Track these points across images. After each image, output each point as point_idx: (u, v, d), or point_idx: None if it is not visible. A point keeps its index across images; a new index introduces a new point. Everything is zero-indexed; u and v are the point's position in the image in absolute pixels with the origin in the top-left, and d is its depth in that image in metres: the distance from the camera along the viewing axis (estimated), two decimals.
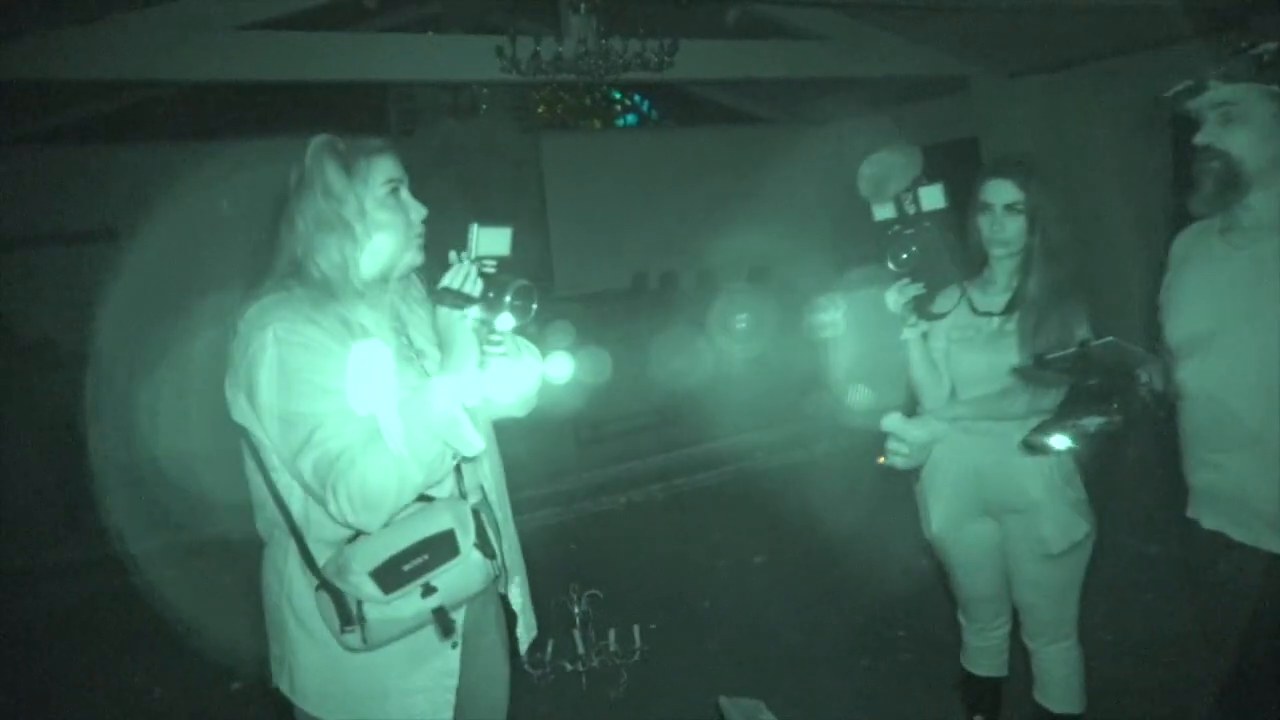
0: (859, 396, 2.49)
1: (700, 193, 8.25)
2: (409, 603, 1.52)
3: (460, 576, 1.55)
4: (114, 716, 3.46)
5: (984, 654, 2.55)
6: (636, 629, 3.37)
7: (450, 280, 1.50)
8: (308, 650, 1.62)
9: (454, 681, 1.67)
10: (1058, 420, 1.76)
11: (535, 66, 5.52)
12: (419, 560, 1.52)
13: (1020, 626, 2.45)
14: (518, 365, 1.60)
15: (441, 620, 1.56)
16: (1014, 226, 2.26)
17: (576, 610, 3.38)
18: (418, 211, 1.67)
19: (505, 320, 1.49)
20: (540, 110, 8.44)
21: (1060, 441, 1.74)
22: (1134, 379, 1.68)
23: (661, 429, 5.89)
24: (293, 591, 1.62)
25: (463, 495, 1.66)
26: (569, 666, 3.32)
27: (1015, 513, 2.32)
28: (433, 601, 1.54)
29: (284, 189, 1.65)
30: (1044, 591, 2.35)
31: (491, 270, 1.51)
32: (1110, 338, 1.62)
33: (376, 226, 1.61)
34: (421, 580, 1.52)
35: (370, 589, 1.50)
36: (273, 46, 5.21)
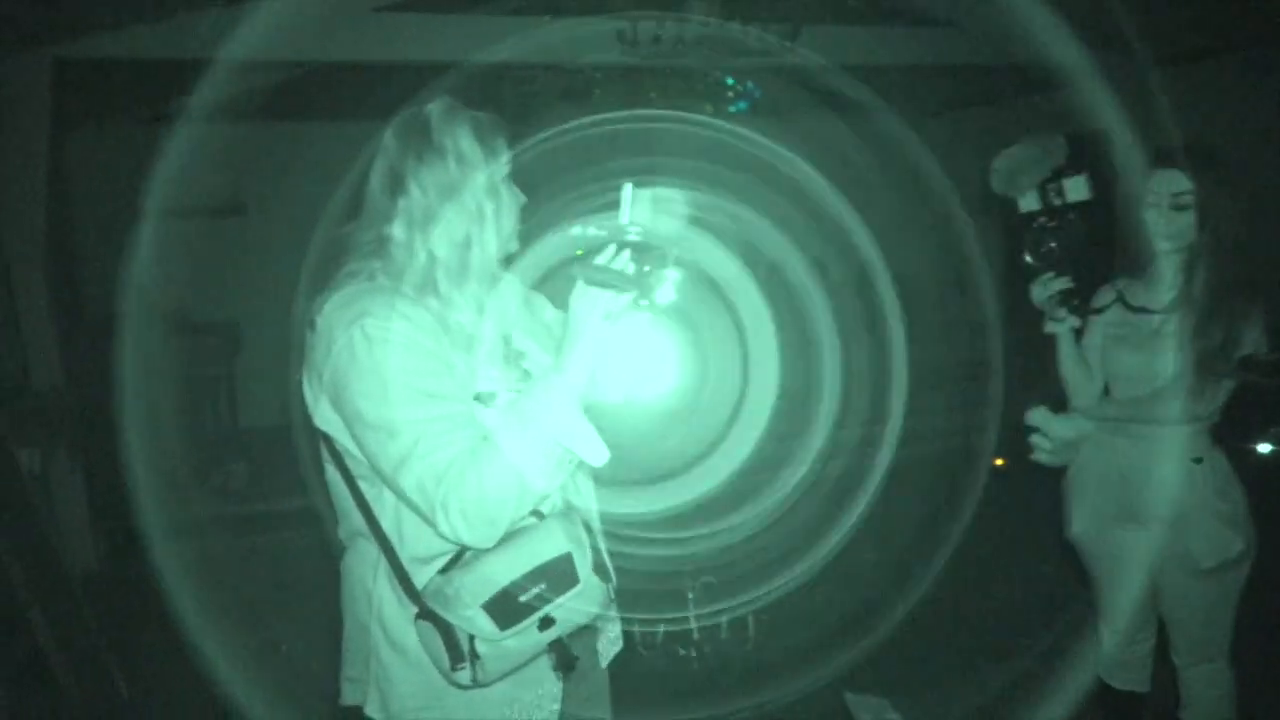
0: None
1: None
2: (526, 637, 1.38)
3: (579, 605, 1.40)
4: (245, 666, 3.60)
5: (1125, 667, 2.44)
6: (750, 618, 3.35)
7: (603, 257, 1.34)
8: (404, 675, 1.47)
9: (557, 706, 1.52)
10: (1261, 426, 1.66)
11: (656, 50, 5.50)
12: (536, 590, 1.36)
13: (1167, 642, 2.34)
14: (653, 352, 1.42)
15: (561, 655, 1.44)
16: (1182, 220, 2.14)
17: (691, 595, 3.38)
18: (519, 197, 1.55)
19: (666, 293, 1.33)
20: (653, 95, 8.43)
21: (1264, 447, 1.65)
22: None
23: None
24: (384, 614, 1.47)
25: (570, 506, 1.51)
26: (682, 651, 3.32)
27: (1162, 522, 2.21)
28: (551, 634, 1.39)
29: (378, 157, 1.48)
30: (1192, 608, 2.24)
31: (637, 240, 1.34)
32: None
33: (501, 206, 1.49)
34: (540, 613, 1.37)
35: (484, 624, 1.34)
36: (404, 28, 5.34)
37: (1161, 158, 2.20)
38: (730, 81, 8.76)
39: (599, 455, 1.34)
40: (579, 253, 1.37)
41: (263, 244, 6.46)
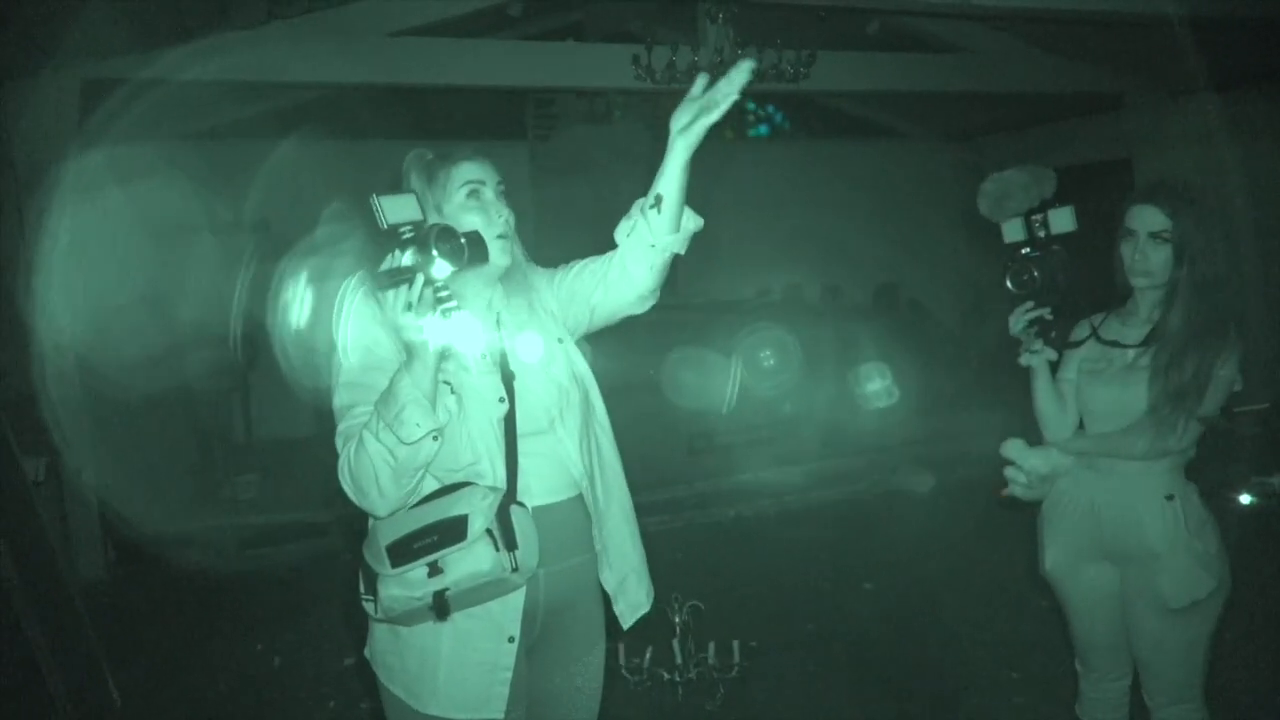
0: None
1: (830, 205, 8.12)
2: (417, 580, 1.57)
3: (468, 562, 1.56)
4: (236, 680, 3.66)
5: (1100, 706, 2.39)
6: (736, 644, 3.33)
7: (382, 265, 1.53)
8: (369, 616, 1.69)
9: (507, 675, 1.67)
10: (1240, 475, 1.64)
11: (670, 75, 5.54)
12: (429, 540, 1.57)
13: (1139, 683, 2.30)
14: (469, 316, 1.56)
15: (438, 603, 1.58)
16: (1158, 257, 2.12)
17: (677, 620, 3.37)
18: (499, 212, 1.71)
19: (441, 268, 1.47)
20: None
21: (1243, 498, 1.63)
22: None
23: (777, 443, 5.81)
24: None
25: (511, 488, 1.65)
26: (666, 676, 3.31)
27: (1133, 560, 2.18)
28: (438, 583, 1.56)
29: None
30: (1163, 648, 2.19)
31: (410, 235, 1.50)
32: None
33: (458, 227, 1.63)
34: (428, 559, 1.56)
35: (385, 560, 1.58)
36: (420, 52, 5.43)
37: (1140, 193, 2.19)
38: (751, 106, 8.82)
39: (410, 432, 1.49)
40: (371, 270, 1.52)
41: (280, 259, 6.55)
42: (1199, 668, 2.19)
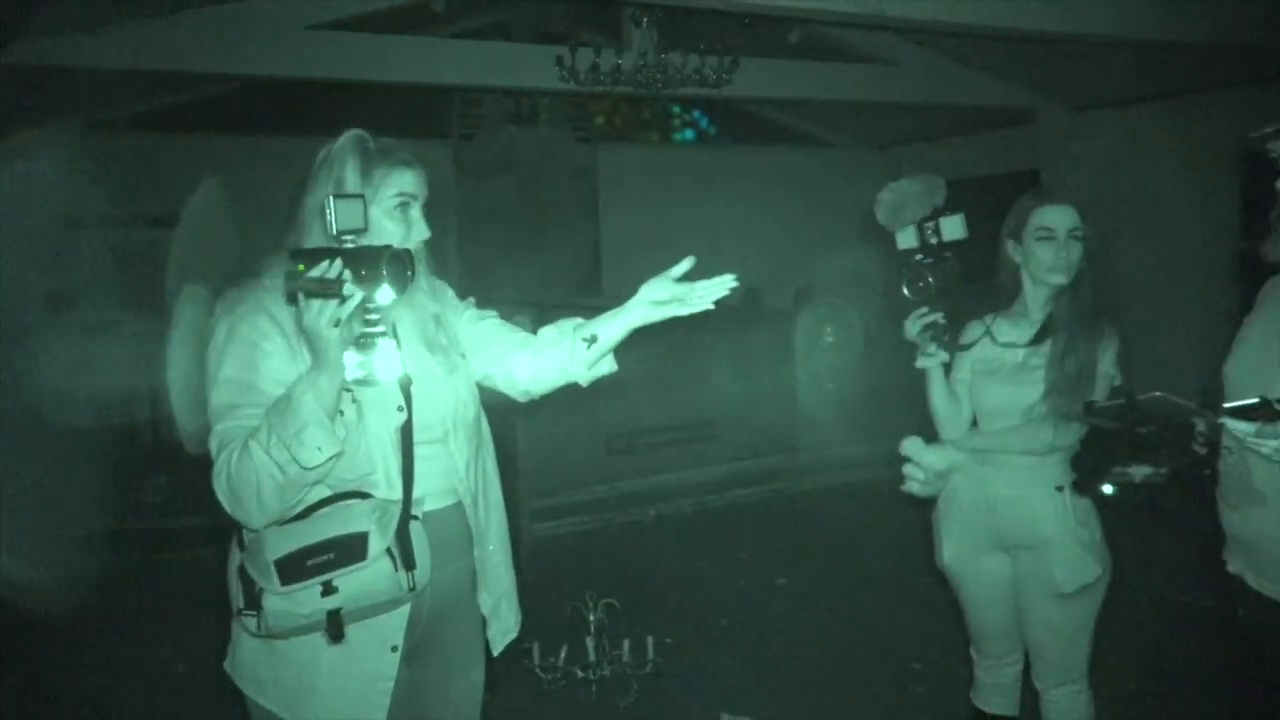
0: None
1: (753, 210, 8.23)
2: (308, 599, 1.49)
3: (364, 582, 1.50)
4: (136, 686, 3.55)
5: (994, 691, 2.49)
6: (650, 640, 3.37)
7: (313, 268, 1.40)
8: (244, 633, 1.60)
9: (389, 684, 1.63)
10: (1104, 467, 1.71)
11: (593, 77, 5.58)
12: (324, 558, 1.49)
13: (1029, 666, 2.40)
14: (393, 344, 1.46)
15: (333, 624, 1.51)
16: (1076, 254, 2.22)
17: (591, 618, 3.40)
18: (420, 233, 1.66)
19: (385, 294, 1.39)
20: (599, 121, 8.53)
21: (1106, 489, 1.71)
22: (1188, 430, 1.61)
23: (695, 444, 5.86)
24: (233, 569, 1.60)
25: (407, 499, 1.60)
26: (580, 673, 3.33)
27: (1027, 549, 2.28)
28: (331, 603, 1.49)
29: (309, 168, 1.64)
30: (1053, 632, 2.30)
31: (352, 245, 1.42)
32: (1158, 393, 1.57)
33: (374, 234, 1.55)
34: (322, 578, 1.49)
35: (272, 577, 1.48)
36: (341, 47, 5.35)
37: (1053, 195, 2.28)
38: (677, 110, 8.91)
39: (310, 456, 1.42)
40: (300, 268, 1.42)
41: (197, 255, 6.38)
42: (1085, 650, 2.30)
